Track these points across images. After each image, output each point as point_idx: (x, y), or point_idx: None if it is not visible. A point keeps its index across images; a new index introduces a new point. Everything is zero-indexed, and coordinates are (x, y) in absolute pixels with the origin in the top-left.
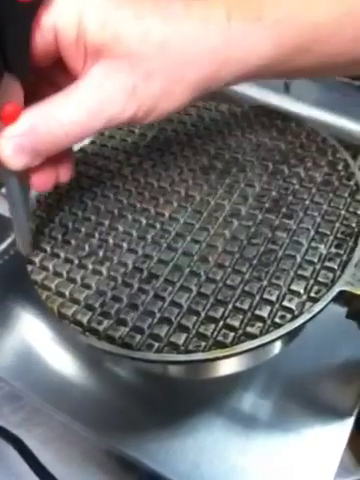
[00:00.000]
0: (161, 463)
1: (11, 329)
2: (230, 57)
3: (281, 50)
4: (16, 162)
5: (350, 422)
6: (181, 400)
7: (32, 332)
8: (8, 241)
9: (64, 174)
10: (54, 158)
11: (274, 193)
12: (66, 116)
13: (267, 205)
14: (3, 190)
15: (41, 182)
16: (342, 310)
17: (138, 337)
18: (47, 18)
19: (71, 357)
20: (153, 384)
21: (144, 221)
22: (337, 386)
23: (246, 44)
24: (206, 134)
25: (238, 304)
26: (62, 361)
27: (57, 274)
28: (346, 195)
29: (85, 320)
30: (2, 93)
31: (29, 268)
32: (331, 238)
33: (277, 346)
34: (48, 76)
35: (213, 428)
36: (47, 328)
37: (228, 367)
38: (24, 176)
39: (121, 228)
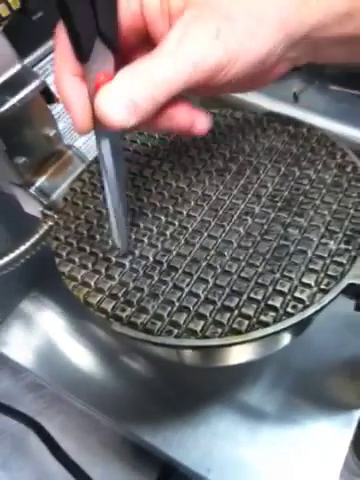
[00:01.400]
0: (175, 449)
1: (36, 322)
2: None
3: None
4: (115, 117)
5: (356, 417)
6: (194, 390)
7: (55, 326)
8: (36, 237)
9: (201, 123)
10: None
11: (286, 193)
12: (154, 68)
13: (279, 204)
14: (32, 190)
15: (201, 122)
16: (350, 307)
17: (159, 324)
18: None
19: (91, 350)
20: (168, 375)
21: (163, 218)
22: (344, 381)
23: None
24: (222, 139)
25: (252, 295)
26: (83, 354)
27: (83, 266)
28: (355, 195)
29: (109, 308)
30: (94, 60)
31: (57, 261)
32: (340, 235)
33: (287, 337)
34: (129, 56)
35: (224, 417)
36: (69, 323)
37: (241, 355)
38: (121, 174)
39: (142, 225)
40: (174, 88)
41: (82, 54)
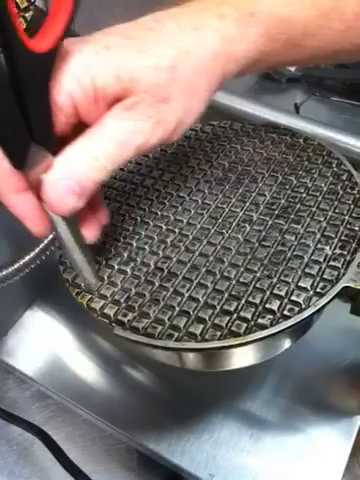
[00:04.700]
0: (179, 456)
1: (41, 332)
2: (231, 55)
3: (274, 44)
4: (65, 205)
5: (357, 423)
6: (197, 398)
7: (60, 336)
8: (40, 246)
9: (103, 218)
10: (92, 205)
11: (283, 201)
12: (99, 152)
13: (277, 212)
14: None
15: (92, 232)
16: (349, 313)
17: (159, 328)
18: (61, 94)
19: (95, 360)
20: (171, 384)
21: (164, 227)
22: (345, 387)
23: (244, 40)
24: (221, 149)
25: (250, 299)
26: (87, 363)
27: None
28: (350, 202)
29: (112, 313)
30: (30, 162)
31: (61, 269)
32: (336, 240)
33: (286, 340)
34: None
35: (227, 424)
36: (73, 332)
37: (242, 359)
38: (74, 223)
39: (143, 233)
40: (118, 168)
41: (17, 163)
